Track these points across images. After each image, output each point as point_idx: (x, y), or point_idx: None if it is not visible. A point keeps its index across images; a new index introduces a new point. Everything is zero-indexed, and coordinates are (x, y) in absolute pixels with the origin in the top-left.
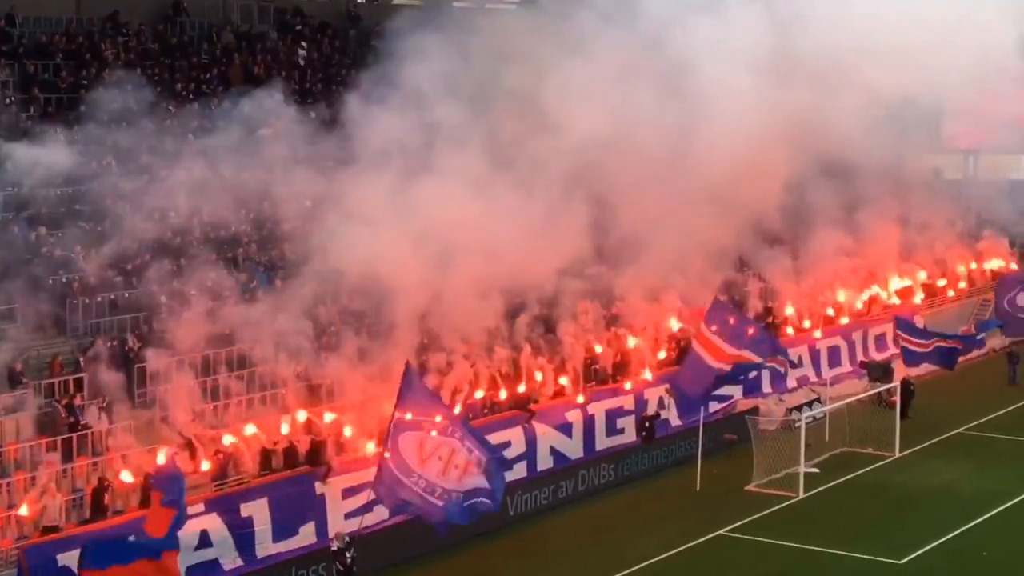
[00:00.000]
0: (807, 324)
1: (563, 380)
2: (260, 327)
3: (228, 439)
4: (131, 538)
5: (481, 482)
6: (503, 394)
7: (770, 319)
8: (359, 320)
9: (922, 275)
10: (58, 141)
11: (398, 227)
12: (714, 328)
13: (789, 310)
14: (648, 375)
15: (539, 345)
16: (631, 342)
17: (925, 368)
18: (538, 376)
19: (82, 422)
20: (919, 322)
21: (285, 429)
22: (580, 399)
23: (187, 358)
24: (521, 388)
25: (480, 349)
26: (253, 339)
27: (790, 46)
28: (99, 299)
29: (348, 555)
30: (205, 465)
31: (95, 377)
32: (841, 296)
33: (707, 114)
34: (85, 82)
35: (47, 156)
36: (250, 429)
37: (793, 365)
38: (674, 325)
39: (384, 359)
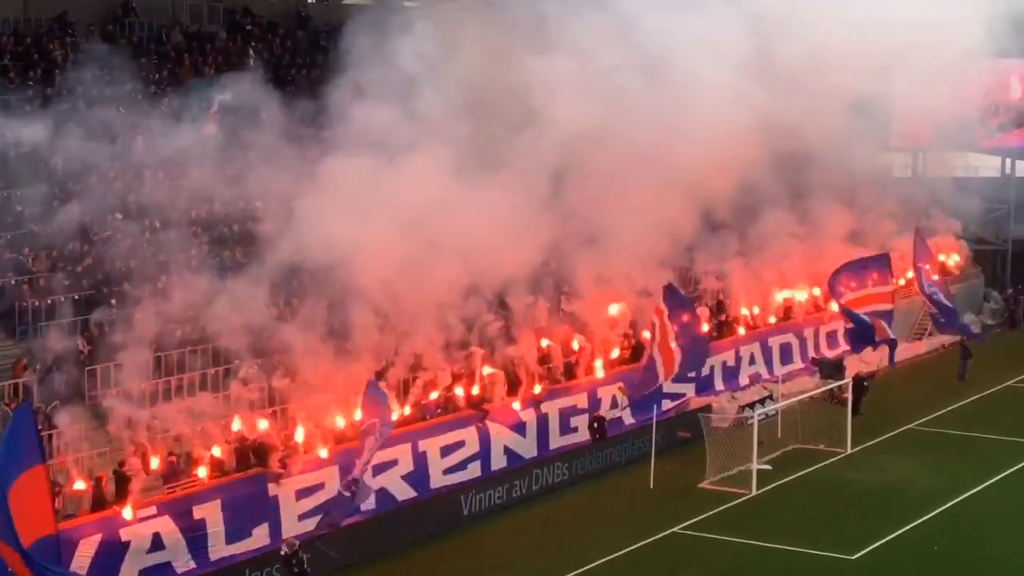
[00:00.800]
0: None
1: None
2: (213, 325)
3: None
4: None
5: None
6: (459, 391)
7: (723, 316)
8: (314, 316)
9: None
10: (29, 113)
11: (358, 220)
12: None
13: (744, 311)
14: (600, 373)
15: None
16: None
17: (878, 362)
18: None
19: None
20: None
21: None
22: (537, 388)
23: (140, 359)
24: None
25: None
26: (205, 338)
27: (764, 44)
28: (48, 301)
29: (295, 561)
30: (155, 463)
31: (46, 380)
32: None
33: (677, 108)
34: (32, 83)
35: (18, 127)
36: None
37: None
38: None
39: (343, 354)
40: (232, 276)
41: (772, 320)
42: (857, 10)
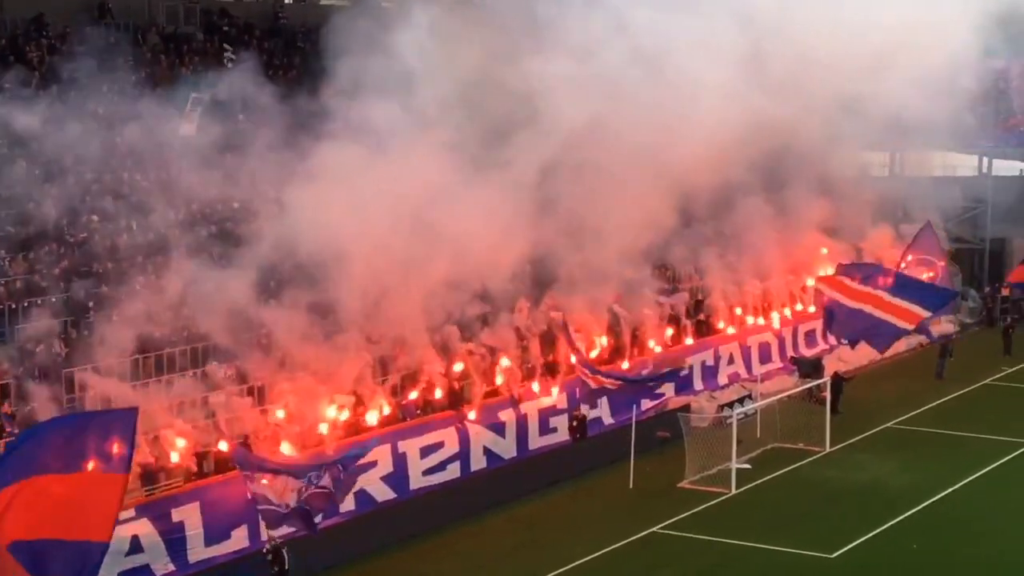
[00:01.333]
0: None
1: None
2: (195, 324)
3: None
4: None
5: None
6: (438, 393)
7: (701, 316)
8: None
9: None
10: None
11: (339, 214)
12: None
13: (722, 323)
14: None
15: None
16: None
17: (856, 362)
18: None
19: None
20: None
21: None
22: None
23: (116, 363)
24: (458, 367)
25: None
26: (186, 338)
27: (755, 43)
28: (24, 303)
29: (276, 560)
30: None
31: (22, 383)
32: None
33: (669, 106)
34: (8, 85)
35: (16, 117)
36: (180, 442)
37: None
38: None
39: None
40: (214, 274)
41: (750, 320)
42: (846, 11)
